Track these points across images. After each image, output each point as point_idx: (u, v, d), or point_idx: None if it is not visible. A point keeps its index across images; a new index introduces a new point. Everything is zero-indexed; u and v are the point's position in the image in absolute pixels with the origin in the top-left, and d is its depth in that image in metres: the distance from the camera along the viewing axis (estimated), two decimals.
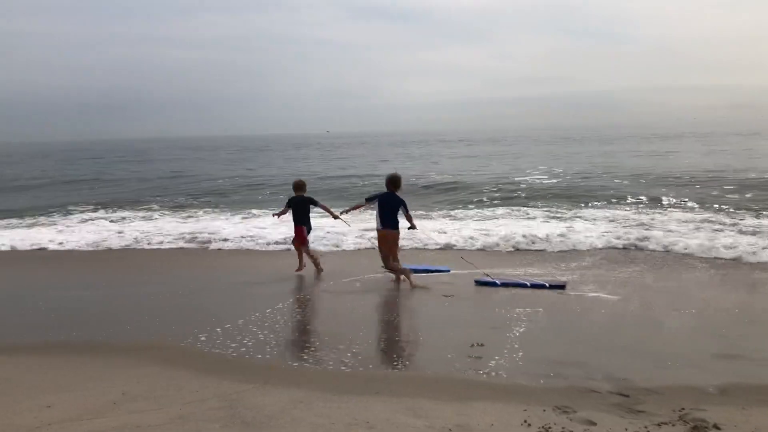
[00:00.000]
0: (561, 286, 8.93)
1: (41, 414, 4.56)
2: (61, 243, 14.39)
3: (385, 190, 9.68)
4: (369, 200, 9.85)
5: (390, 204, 9.51)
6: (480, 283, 9.28)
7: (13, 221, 18.59)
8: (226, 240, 13.80)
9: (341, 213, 10.37)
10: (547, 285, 8.98)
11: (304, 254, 10.61)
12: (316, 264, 10.48)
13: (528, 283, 9.13)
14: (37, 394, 4.99)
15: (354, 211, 10.25)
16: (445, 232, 13.56)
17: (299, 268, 10.56)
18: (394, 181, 9.64)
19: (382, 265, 9.75)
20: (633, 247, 11.94)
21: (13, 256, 13.53)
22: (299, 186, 10.78)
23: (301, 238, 10.63)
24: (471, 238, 12.99)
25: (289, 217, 10.79)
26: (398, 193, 9.61)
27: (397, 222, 9.56)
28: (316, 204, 10.64)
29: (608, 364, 5.65)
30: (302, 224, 10.60)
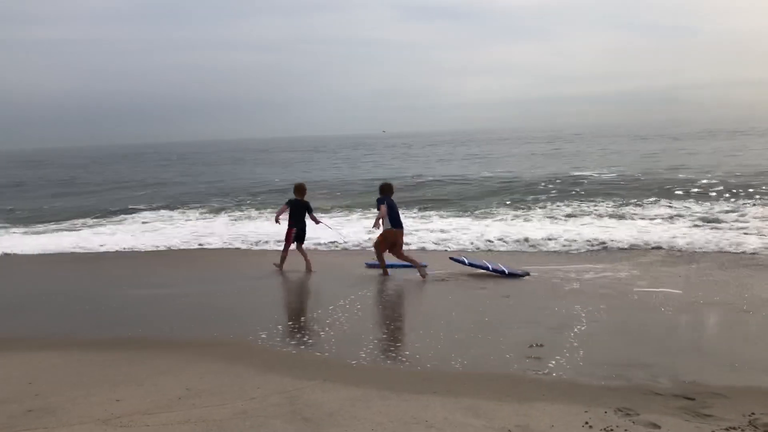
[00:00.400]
0: (521, 275, 9.69)
1: (111, 407, 4.74)
2: (129, 243, 14.96)
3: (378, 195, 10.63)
4: (379, 201, 10.55)
5: (395, 207, 10.58)
6: (454, 260, 10.56)
7: (103, 221, 19.50)
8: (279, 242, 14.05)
9: (373, 226, 10.81)
10: (506, 272, 9.79)
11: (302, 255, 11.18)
12: (306, 259, 11.06)
13: (490, 267, 10.02)
14: (107, 388, 5.18)
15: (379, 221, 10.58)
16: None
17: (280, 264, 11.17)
18: (390, 187, 10.68)
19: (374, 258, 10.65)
20: (700, 247, 11.59)
21: (83, 256, 14.08)
22: (300, 189, 11.41)
23: (289, 239, 11.23)
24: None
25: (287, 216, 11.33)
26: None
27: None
28: (310, 211, 11.36)
29: (673, 366, 5.51)
30: (294, 227, 11.21)
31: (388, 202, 10.49)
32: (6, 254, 14.06)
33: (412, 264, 10.33)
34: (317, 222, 11.58)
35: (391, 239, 10.41)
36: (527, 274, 9.80)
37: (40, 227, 18.59)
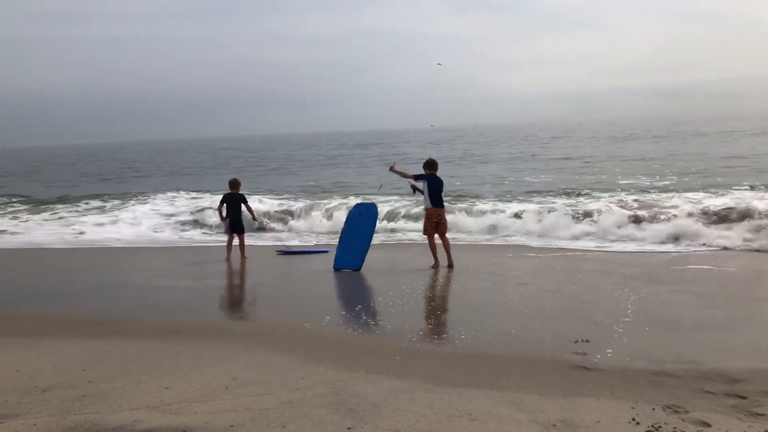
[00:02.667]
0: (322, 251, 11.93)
1: (160, 394, 4.85)
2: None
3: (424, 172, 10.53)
4: (417, 178, 10.49)
5: (438, 185, 10.51)
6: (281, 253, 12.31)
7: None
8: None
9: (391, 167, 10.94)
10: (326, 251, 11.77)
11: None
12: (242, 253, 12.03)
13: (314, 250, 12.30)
14: (155, 376, 5.31)
15: (401, 175, 10.67)
16: None
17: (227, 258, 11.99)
18: (433, 164, 10.58)
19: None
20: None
21: (138, 248, 14.42)
22: (234, 184, 12.29)
23: (230, 231, 12.07)
24: None
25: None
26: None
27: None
28: (245, 202, 12.20)
29: (723, 363, 5.38)
30: (227, 217, 12.05)
31: (429, 180, 10.42)
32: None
33: (433, 253, 10.37)
34: (253, 215, 12.61)
35: (434, 218, 10.42)
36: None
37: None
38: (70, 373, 5.42)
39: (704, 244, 11.76)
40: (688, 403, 4.52)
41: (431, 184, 10.40)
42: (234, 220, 12.07)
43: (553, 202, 16.90)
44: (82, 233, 16.45)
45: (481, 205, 16.51)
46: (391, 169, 10.75)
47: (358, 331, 6.77)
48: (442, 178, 10.61)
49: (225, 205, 12.14)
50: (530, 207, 15.80)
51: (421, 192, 10.47)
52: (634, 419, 4.24)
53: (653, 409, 4.42)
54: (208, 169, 45.71)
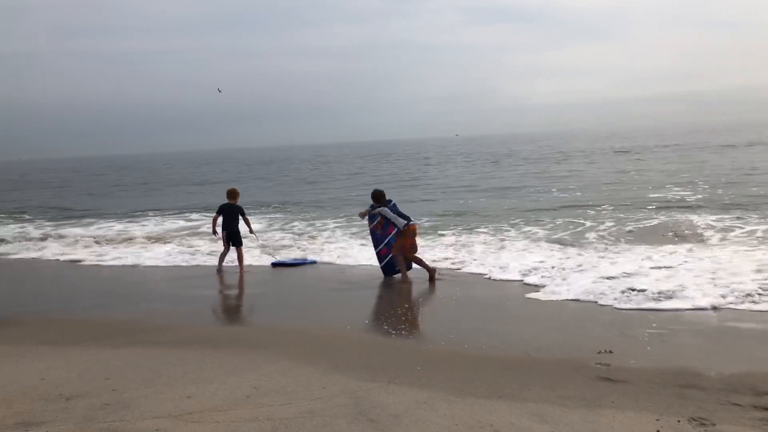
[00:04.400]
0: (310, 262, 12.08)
1: (182, 403, 4.88)
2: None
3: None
4: (372, 209, 10.61)
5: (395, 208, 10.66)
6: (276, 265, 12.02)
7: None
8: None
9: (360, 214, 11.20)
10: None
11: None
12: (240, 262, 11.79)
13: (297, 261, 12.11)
14: (178, 386, 5.34)
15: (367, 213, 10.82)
16: None
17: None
18: (382, 195, 10.64)
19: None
20: None
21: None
22: (232, 194, 11.94)
23: (224, 241, 11.76)
24: None
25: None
26: None
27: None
28: (243, 214, 11.78)
29: (751, 376, 5.28)
30: (224, 230, 11.70)
31: (391, 207, 10.48)
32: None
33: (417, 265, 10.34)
34: (250, 228, 11.95)
35: (411, 235, 10.36)
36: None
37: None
38: (94, 382, 5.48)
39: None
40: (715, 415, 4.44)
41: (391, 209, 10.46)
42: (231, 232, 11.66)
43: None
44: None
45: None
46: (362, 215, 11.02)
47: (378, 341, 6.77)
48: None
49: (222, 216, 11.75)
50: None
51: (387, 218, 10.48)
52: (658, 431, 4.18)
53: (678, 421, 4.35)
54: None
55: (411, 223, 10.44)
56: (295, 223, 18.39)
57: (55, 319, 8.41)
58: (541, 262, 10.81)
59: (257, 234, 12.81)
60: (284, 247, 14.25)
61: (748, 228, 13.14)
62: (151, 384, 5.40)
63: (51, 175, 72.03)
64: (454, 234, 14.66)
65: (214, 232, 11.96)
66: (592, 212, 17.26)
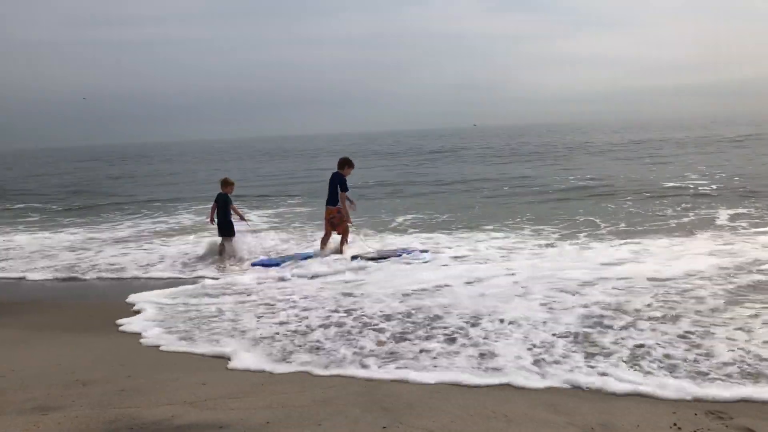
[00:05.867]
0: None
1: (197, 390, 4.90)
2: None
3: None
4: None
5: (332, 182, 11.00)
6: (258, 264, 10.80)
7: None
8: None
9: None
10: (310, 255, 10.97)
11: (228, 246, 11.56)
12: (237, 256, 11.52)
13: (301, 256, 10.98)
14: (192, 373, 5.37)
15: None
16: None
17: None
18: (344, 162, 11.02)
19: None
20: None
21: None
22: (225, 183, 11.77)
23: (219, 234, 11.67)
24: None
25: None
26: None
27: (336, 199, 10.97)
28: (230, 204, 11.65)
29: None
30: (215, 219, 11.64)
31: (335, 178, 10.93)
32: None
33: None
34: (240, 216, 11.87)
35: (325, 216, 10.97)
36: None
37: None
38: (109, 368, 5.53)
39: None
40: (733, 409, 4.39)
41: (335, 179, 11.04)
42: (219, 222, 11.56)
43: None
44: None
45: None
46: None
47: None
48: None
49: (217, 206, 11.67)
50: None
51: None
52: (675, 424, 4.13)
53: (695, 414, 4.30)
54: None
55: (328, 206, 11.00)
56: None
57: (69, 306, 8.48)
58: None
59: (249, 222, 12.42)
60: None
61: None
62: (164, 370, 5.43)
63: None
64: None
65: (212, 221, 11.91)
66: None
